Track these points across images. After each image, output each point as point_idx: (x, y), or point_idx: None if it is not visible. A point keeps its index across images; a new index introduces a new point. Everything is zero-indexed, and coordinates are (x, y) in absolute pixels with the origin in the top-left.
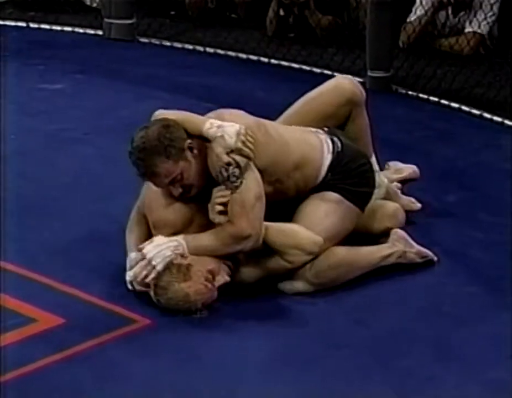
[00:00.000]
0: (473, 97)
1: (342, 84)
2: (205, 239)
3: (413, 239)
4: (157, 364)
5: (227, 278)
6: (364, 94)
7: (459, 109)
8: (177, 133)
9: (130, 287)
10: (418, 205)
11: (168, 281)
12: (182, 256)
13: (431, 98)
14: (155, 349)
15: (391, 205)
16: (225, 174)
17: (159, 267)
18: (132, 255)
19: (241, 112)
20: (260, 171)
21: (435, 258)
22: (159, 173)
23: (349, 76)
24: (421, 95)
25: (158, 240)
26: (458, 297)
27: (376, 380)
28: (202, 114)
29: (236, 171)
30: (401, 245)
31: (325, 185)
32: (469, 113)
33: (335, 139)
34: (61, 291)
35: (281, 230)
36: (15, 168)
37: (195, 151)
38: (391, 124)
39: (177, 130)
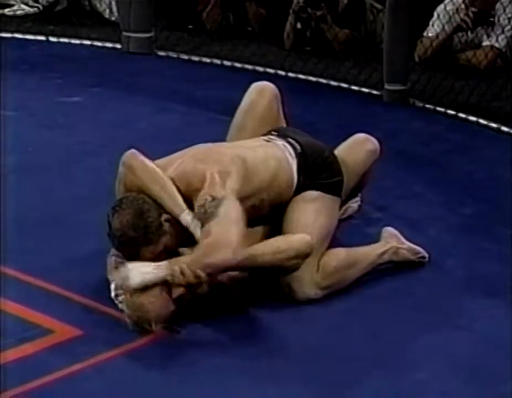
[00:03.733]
0: (490, 110)
1: (264, 88)
2: (186, 257)
3: (425, 249)
4: (173, 376)
5: (181, 291)
6: None
7: (477, 122)
8: (151, 215)
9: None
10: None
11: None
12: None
13: (448, 111)
14: (170, 361)
15: (358, 135)
16: (202, 210)
17: (132, 282)
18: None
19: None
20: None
21: (426, 256)
22: (144, 257)
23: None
24: (438, 108)
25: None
26: (474, 309)
27: (389, 394)
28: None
29: (213, 203)
30: (393, 241)
31: (301, 188)
32: (487, 126)
33: (291, 140)
34: (79, 303)
35: (276, 247)
36: (32, 181)
37: (172, 220)
38: (408, 137)
39: (150, 210)
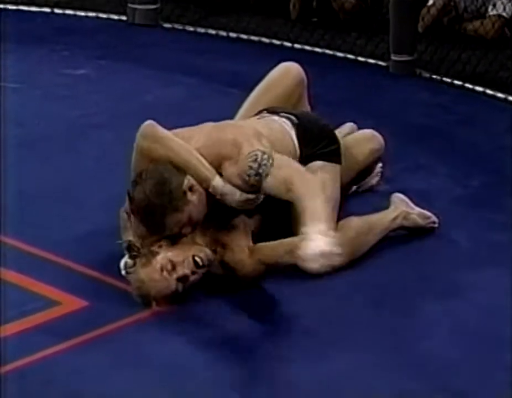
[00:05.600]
0: (497, 81)
1: (290, 69)
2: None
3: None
4: (178, 348)
5: (186, 271)
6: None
7: (484, 92)
8: (175, 181)
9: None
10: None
11: (137, 265)
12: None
13: (455, 81)
14: (175, 333)
15: (365, 131)
16: (255, 165)
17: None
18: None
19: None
20: None
21: (437, 221)
22: (169, 227)
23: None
24: (445, 79)
25: None
26: (480, 279)
27: (396, 363)
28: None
29: (265, 155)
30: (403, 206)
31: (304, 159)
32: (494, 96)
33: (284, 114)
34: (85, 274)
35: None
36: (37, 153)
37: (194, 188)
38: (414, 108)
39: (173, 177)
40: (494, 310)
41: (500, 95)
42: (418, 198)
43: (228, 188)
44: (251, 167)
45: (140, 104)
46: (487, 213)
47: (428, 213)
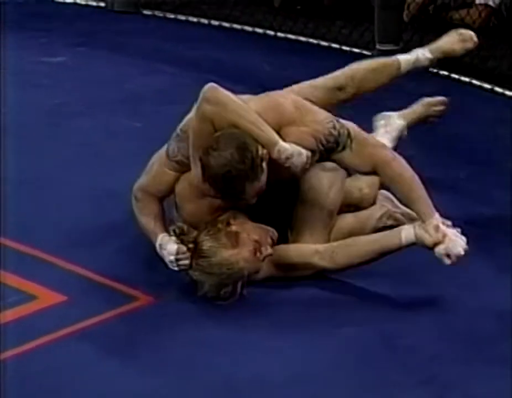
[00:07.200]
0: (484, 71)
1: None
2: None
3: None
4: (159, 342)
5: (270, 251)
6: None
7: (470, 83)
8: (254, 149)
9: (173, 267)
10: None
11: (215, 247)
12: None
13: (441, 72)
14: (157, 326)
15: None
16: (335, 132)
17: None
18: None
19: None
20: None
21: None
22: (248, 195)
23: None
24: (430, 69)
25: None
26: (466, 273)
27: (380, 359)
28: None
29: (341, 126)
30: (388, 205)
31: (321, 156)
32: (480, 86)
33: None
34: (62, 268)
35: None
36: (16, 142)
37: (266, 157)
38: (400, 98)
39: (251, 144)
40: (478, 304)
41: (486, 85)
42: None
43: (294, 149)
44: (331, 134)
45: (120, 92)
46: (473, 203)
47: (412, 213)
